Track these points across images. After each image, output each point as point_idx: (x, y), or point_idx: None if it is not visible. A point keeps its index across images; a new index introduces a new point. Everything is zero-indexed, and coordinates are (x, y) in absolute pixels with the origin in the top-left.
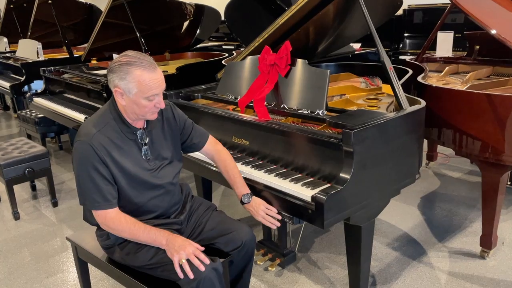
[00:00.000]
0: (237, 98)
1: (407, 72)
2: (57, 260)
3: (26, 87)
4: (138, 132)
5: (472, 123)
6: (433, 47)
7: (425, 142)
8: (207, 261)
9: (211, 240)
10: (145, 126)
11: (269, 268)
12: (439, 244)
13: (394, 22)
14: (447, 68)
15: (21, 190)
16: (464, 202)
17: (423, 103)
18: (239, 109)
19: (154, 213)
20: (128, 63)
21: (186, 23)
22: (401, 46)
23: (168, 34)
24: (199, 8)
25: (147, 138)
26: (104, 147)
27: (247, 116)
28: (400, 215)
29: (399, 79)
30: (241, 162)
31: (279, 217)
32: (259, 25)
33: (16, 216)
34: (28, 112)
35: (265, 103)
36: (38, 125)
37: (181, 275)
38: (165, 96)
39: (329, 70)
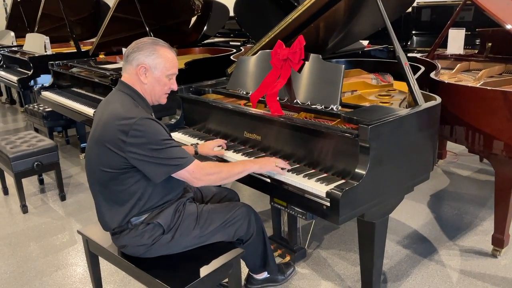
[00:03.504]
0: (249, 93)
1: (419, 68)
2: (66, 254)
3: (32, 81)
4: (152, 115)
5: (487, 120)
6: (443, 45)
7: None
8: (288, 166)
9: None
10: None
11: None
12: (450, 242)
13: (402, 19)
14: (458, 65)
15: (29, 183)
16: (474, 201)
17: (438, 99)
18: (250, 104)
19: (182, 186)
20: (154, 43)
21: (194, 19)
22: (409, 43)
23: (175, 29)
24: (207, 3)
25: None
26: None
27: (259, 111)
28: (409, 212)
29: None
30: (253, 158)
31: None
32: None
33: (24, 209)
34: (36, 106)
35: (278, 98)
36: (45, 119)
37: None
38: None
39: (343, 65)
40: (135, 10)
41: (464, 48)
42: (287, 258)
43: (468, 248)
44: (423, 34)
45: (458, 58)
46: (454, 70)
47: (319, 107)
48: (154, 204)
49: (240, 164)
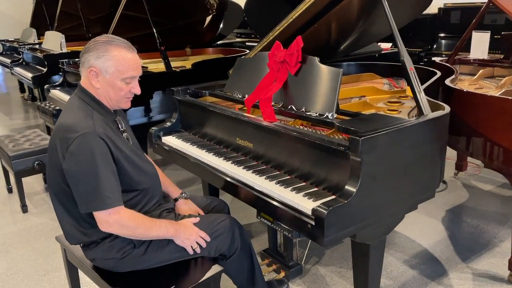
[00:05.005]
0: (245, 97)
1: (435, 74)
2: (57, 257)
3: (48, 79)
4: (117, 120)
5: (506, 134)
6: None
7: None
8: (208, 238)
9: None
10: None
11: None
12: (463, 264)
13: (428, 21)
14: (481, 71)
15: (33, 182)
16: (494, 218)
17: (447, 108)
18: (246, 108)
19: (156, 197)
20: (107, 42)
21: (208, 18)
22: (434, 46)
23: (190, 29)
24: (222, 3)
25: (123, 125)
26: (107, 136)
27: (251, 117)
28: (421, 228)
29: (426, 81)
30: (242, 167)
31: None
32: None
33: (24, 209)
34: (47, 104)
35: (273, 103)
36: (55, 117)
37: (197, 251)
38: (172, 92)
39: (342, 70)
40: (145, 8)
41: (493, 53)
42: (282, 274)
43: (482, 272)
44: (451, 37)
45: (481, 63)
46: (476, 76)
47: (313, 114)
48: None
49: (161, 226)
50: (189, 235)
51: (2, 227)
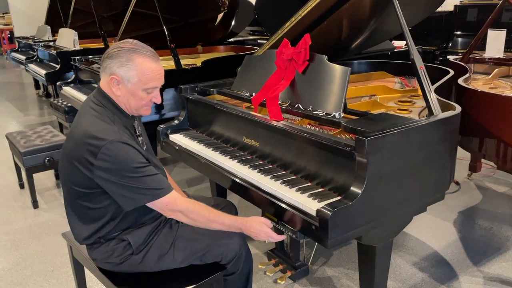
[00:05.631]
0: (252, 95)
1: (448, 73)
2: (65, 254)
3: (61, 76)
4: (135, 124)
5: None
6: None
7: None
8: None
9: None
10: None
11: (279, 281)
12: (474, 267)
13: (443, 19)
14: (496, 70)
15: (45, 178)
16: (508, 221)
17: (458, 108)
18: (253, 107)
19: None
20: (131, 50)
21: (220, 16)
22: (450, 45)
23: (201, 26)
24: (234, 0)
25: (139, 129)
26: (133, 141)
27: (257, 116)
28: (431, 231)
29: (439, 80)
30: (248, 166)
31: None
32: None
33: (35, 205)
34: (60, 101)
35: (280, 102)
36: (67, 114)
37: (280, 238)
38: (180, 90)
39: (350, 68)
40: (156, 6)
41: (505, 51)
42: (288, 275)
43: (493, 276)
44: (468, 35)
45: (497, 62)
46: (490, 76)
47: (320, 114)
48: (128, 226)
49: (224, 222)
50: (256, 234)
51: (13, 222)
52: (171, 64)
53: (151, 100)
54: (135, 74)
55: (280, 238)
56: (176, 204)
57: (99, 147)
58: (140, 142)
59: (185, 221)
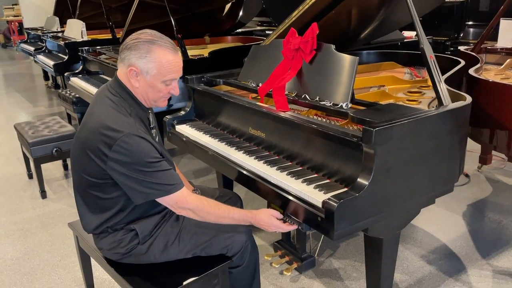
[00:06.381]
0: (259, 85)
1: (458, 63)
2: (73, 243)
3: (69, 67)
4: (150, 116)
5: None
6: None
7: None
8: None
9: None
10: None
11: (285, 272)
12: (483, 261)
13: (454, 9)
14: (508, 60)
15: (53, 168)
16: None
17: (468, 99)
18: (259, 97)
19: None
20: (150, 41)
21: (228, 6)
22: (461, 35)
23: (208, 16)
24: None
25: (152, 121)
26: (148, 135)
27: (263, 106)
28: (440, 223)
29: (449, 71)
30: (254, 157)
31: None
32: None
33: (43, 195)
34: (68, 92)
35: (286, 92)
36: (75, 105)
37: (290, 228)
38: (187, 81)
39: (358, 58)
40: None
41: None
42: (294, 266)
43: (502, 270)
44: (480, 26)
45: (509, 52)
46: (502, 66)
47: (327, 104)
48: (137, 217)
49: (233, 218)
50: (266, 227)
51: (21, 212)
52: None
53: (169, 92)
54: (154, 66)
55: (291, 227)
56: (187, 202)
57: (115, 139)
58: (153, 133)
59: (195, 218)
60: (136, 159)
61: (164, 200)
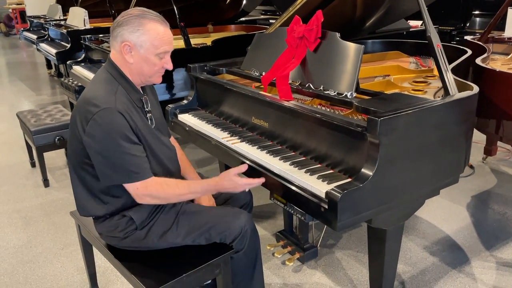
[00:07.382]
0: (262, 74)
1: (465, 52)
2: (76, 232)
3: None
4: (143, 98)
5: None
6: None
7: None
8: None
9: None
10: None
11: (287, 262)
12: (486, 252)
13: None
14: None
15: (56, 157)
16: None
17: (475, 89)
18: (262, 86)
19: None
20: (141, 15)
21: None
22: (468, 25)
23: (212, 5)
24: None
25: (149, 105)
26: (128, 114)
27: (266, 95)
28: (444, 214)
29: (455, 60)
30: (256, 146)
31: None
32: None
33: (46, 183)
34: (70, 80)
35: (290, 81)
36: (78, 94)
37: (258, 181)
38: (189, 69)
39: (363, 46)
40: None
41: None
42: (296, 256)
43: (506, 261)
44: (487, 15)
45: None
46: (510, 56)
47: (332, 93)
48: (134, 203)
49: (196, 191)
50: (233, 188)
51: (24, 200)
52: (181, 44)
53: (163, 66)
54: (147, 39)
55: (258, 181)
56: (146, 189)
57: (93, 113)
58: (148, 118)
59: (157, 202)
60: (107, 133)
61: (127, 187)
